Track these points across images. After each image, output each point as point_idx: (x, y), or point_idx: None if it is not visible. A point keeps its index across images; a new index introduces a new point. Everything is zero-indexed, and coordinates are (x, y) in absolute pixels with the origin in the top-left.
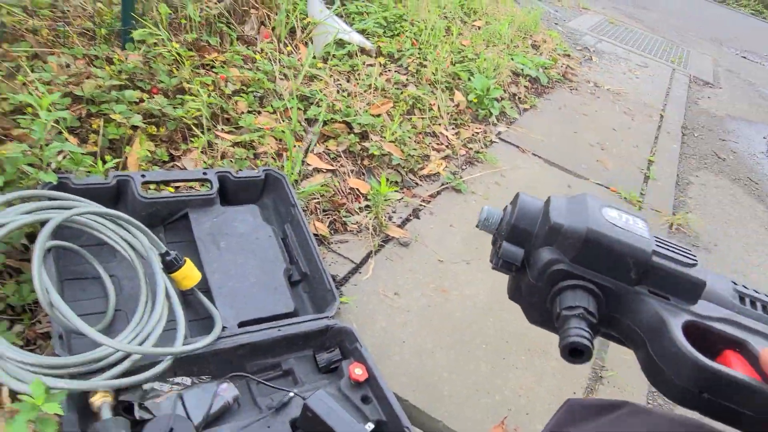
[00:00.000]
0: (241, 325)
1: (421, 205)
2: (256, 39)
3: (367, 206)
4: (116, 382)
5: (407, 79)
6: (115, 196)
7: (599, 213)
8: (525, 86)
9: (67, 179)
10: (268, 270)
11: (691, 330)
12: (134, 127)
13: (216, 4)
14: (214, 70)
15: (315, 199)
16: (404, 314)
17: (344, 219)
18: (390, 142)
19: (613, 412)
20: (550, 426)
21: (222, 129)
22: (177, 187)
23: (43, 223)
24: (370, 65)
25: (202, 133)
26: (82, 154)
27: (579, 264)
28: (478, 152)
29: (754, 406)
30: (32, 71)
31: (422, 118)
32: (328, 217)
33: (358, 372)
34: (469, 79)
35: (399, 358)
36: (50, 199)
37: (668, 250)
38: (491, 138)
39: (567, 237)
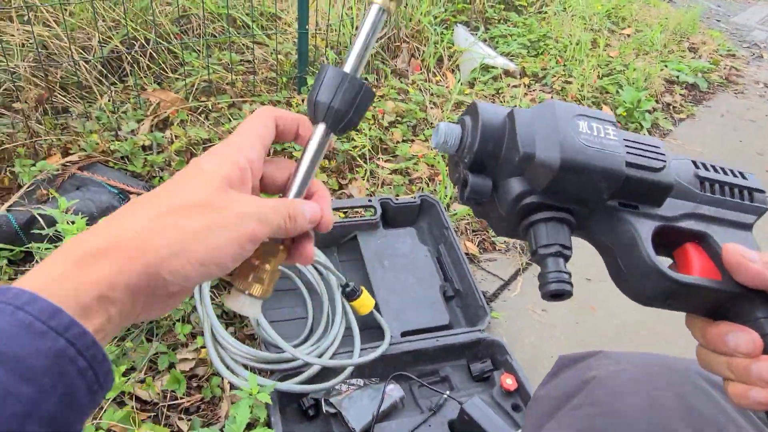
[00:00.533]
0: (404, 334)
1: None
2: (407, 71)
3: None
4: (312, 387)
5: (552, 97)
6: None
7: (571, 131)
8: (681, 94)
9: None
10: (426, 286)
11: (659, 234)
12: None
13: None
14: (372, 104)
15: (465, 220)
16: (552, 330)
17: (492, 238)
18: None
19: (590, 357)
20: (544, 379)
21: (381, 158)
22: (346, 213)
23: None
24: (515, 86)
25: (365, 162)
26: None
27: (551, 193)
28: None
29: (714, 302)
30: (231, 118)
31: None
32: (477, 237)
33: (509, 382)
34: (618, 92)
35: (547, 372)
36: None
37: (639, 156)
38: None
39: (538, 168)
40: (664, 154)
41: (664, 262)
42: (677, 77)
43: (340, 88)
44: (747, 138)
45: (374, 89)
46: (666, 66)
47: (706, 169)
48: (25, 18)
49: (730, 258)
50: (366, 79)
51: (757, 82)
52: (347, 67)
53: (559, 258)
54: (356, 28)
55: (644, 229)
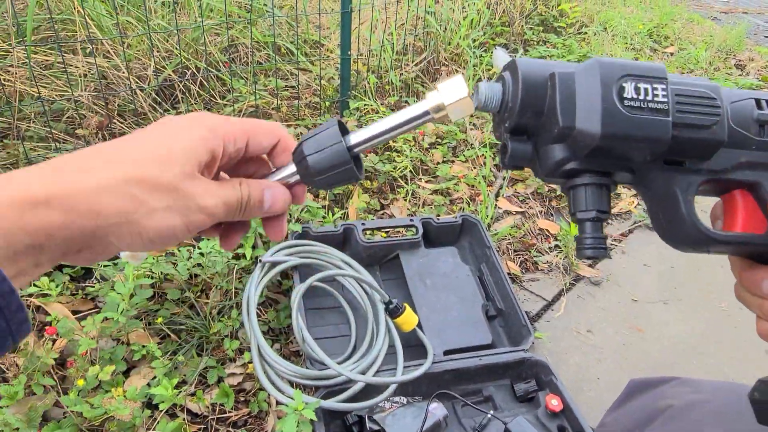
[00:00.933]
0: (447, 353)
1: (612, 244)
2: None
3: (557, 246)
4: (356, 405)
5: None
6: (342, 241)
7: (615, 97)
8: None
9: (308, 228)
10: (468, 305)
11: (707, 182)
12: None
13: (413, 67)
14: None
15: (506, 240)
16: (598, 351)
17: (535, 258)
18: None
19: (665, 384)
20: (613, 404)
21: (422, 179)
22: (388, 232)
23: (300, 265)
24: None
25: (406, 183)
26: (317, 207)
27: (593, 159)
28: None
29: (754, 252)
30: None
31: None
32: (519, 257)
33: (554, 403)
34: None
35: (594, 394)
36: (298, 245)
37: (688, 114)
38: None
39: (578, 138)
40: (718, 107)
41: (712, 204)
42: None
43: (325, 151)
44: None
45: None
46: None
47: (767, 107)
48: (88, 51)
49: None
50: (407, 102)
51: None
52: (351, 138)
53: (597, 223)
54: (396, 65)
55: (687, 186)
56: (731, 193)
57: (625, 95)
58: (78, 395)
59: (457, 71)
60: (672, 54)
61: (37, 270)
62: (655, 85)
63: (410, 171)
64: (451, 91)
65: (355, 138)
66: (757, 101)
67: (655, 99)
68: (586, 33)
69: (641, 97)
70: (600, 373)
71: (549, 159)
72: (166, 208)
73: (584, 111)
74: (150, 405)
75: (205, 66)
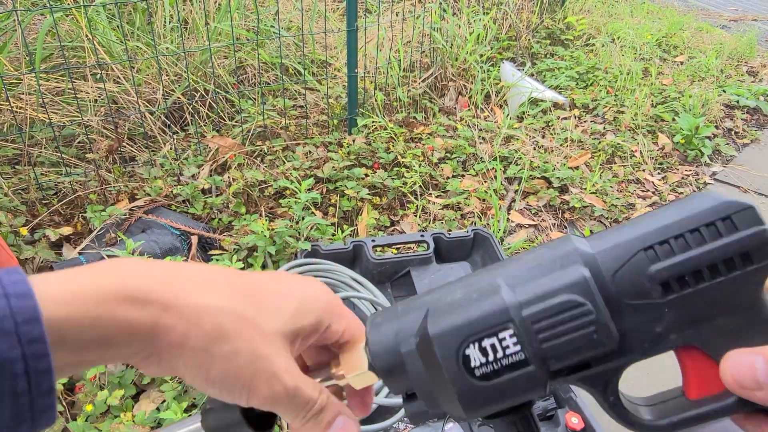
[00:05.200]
0: None
1: None
2: (455, 108)
3: None
4: (370, 427)
5: (604, 128)
6: (352, 258)
7: (464, 372)
8: (742, 119)
9: (318, 246)
10: None
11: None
12: (362, 199)
13: (420, 84)
14: (422, 141)
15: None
16: None
17: None
18: (591, 193)
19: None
20: None
21: (432, 194)
22: (399, 249)
23: None
24: (565, 119)
25: (416, 199)
26: (326, 225)
27: (489, 419)
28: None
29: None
30: (285, 160)
31: (624, 166)
32: None
33: (574, 421)
34: (674, 120)
35: None
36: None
37: (558, 339)
38: (705, 180)
39: (447, 412)
40: (590, 312)
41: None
42: (737, 102)
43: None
44: None
45: (423, 127)
46: (724, 91)
47: (662, 252)
48: (98, 76)
49: (732, 389)
50: (414, 117)
51: None
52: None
53: None
54: (403, 81)
55: (603, 388)
56: (677, 351)
57: (472, 365)
58: (86, 421)
59: (464, 86)
60: (682, 63)
61: (88, 365)
62: (501, 335)
63: (420, 186)
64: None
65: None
66: (646, 250)
67: (507, 353)
68: (593, 44)
69: (491, 358)
70: (622, 388)
71: (452, 416)
72: (242, 358)
73: (443, 397)
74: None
75: (214, 88)
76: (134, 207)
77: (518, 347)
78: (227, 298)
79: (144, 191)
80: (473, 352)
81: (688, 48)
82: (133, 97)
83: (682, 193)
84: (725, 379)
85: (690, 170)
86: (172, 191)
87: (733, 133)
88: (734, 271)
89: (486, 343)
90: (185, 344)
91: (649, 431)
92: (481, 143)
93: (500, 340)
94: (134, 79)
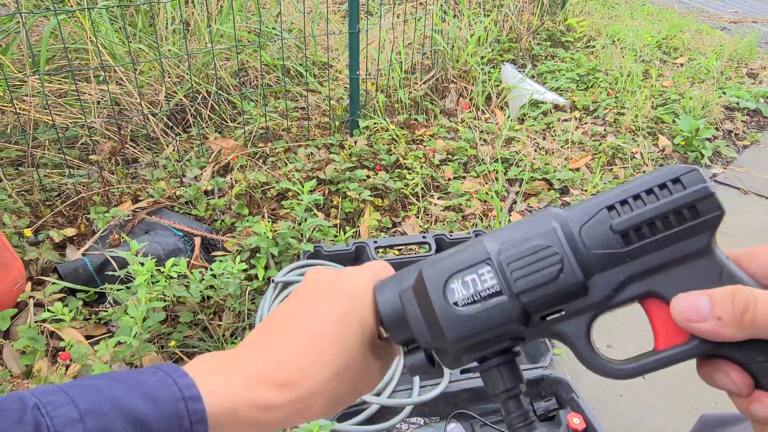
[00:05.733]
0: (463, 371)
1: None
2: (456, 110)
3: None
4: (372, 428)
5: (605, 130)
6: (354, 259)
7: (448, 305)
8: (742, 121)
9: (320, 247)
10: None
11: (597, 316)
12: (364, 201)
13: (421, 85)
14: (423, 143)
15: None
16: None
17: None
18: (591, 195)
19: (740, 423)
20: None
21: (433, 196)
22: (401, 250)
23: None
24: (566, 120)
25: (417, 200)
26: (329, 226)
27: (472, 354)
28: None
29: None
30: (288, 162)
31: (624, 168)
32: None
33: (576, 421)
34: (674, 122)
35: (616, 412)
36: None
37: (528, 276)
38: None
39: (443, 349)
40: (555, 253)
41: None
42: (737, 104)
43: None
44: None
45: (424, 129)
46: (724, 93)
47: (622, 210)
48: (101, 78)
49: (679, 323)
50: (416, 119)
51: None
52: None
53: (512, 399)
54: (404, 83)
55: (576, 331)
56: (643, 302)
57: (456, 297)
58: None
59: (465, 88)
60: (682, 65)
61: None
62: (480, 271)
63: (421, 188)
64: None
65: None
66: (608, 207)
67: (485, 285)
68: (594, 46)
69: (471, 291)
70: (623, 390)
71: (442, 360)
72: (352, 393)
73: (433, 331)
74: None
75: (216, 90)
76: (137, 208)
77: (494, 280)
78: (345, 367)
79: (147, 193)
80: (456, 286)
81: (688, 50)
82: (136, 98)
83: None
84: (673, 314)
85: None
86: (174, 193)
87: (733, 135)
88: (684, 223)
89: (467, 277)
90: (319, 410)
91: (616, 373)
92: (482, 145)
93: (479, 275)
94: (137, 81)
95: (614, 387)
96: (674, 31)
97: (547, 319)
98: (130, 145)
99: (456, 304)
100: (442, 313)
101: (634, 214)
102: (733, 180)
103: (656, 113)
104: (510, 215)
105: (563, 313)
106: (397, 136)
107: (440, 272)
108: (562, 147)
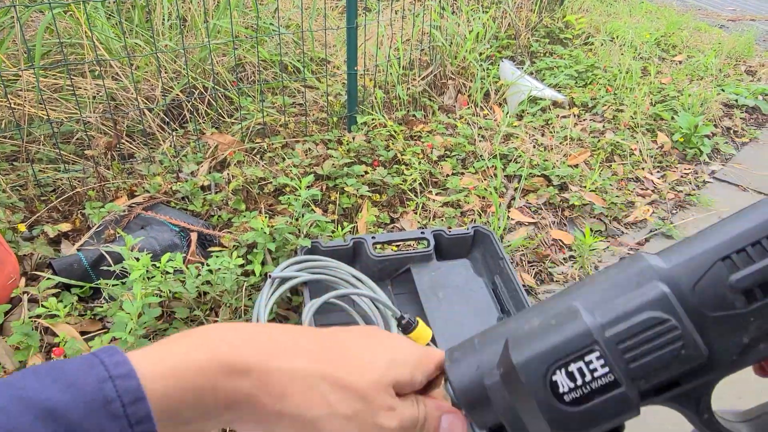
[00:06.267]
0: None
1: (628, 253)
2: (454, 107)
3: (572, 257)
4: None
5: (604, 126)
6: (352, 255)
7: (552, 402)
8: (741, 118)
9: (318, 243)
10: (482, 318)
11: (717, 381)
12: (362, 197)
13: (419, 81)
14: (421, 139)
15: (520, 251)
16: None
17: (549, 270)
18: (590, 191)
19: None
20: None
21: (431, 192)
22: (399, 246)
23: (310, 281)
24: (564, 117)
25: (416, 196)
26: (326, 222)
27: None
28: (689, 195)
29: None
30: (285, 157)
31: (623, 164)
32: (533, 268)
33: None
34: (673, 119)
35: None
36: (309, 260)
37: (644, 357)
38: (704, 178)
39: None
40: (675, 328)
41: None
42: (736, 101)
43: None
44: None
45: (423, 125)
46: (723, 90)
47: (740, 261)
48: (96, 73)
49: None
50: (414, 115)
51: None
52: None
53: None
54: (402, 79)
55: (695, 407)
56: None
57: (561, 391)
58: None
59: (464, 84)
60: (680, 62)
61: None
62: (587, 359)
63: (419, 184)
64: None
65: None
66: (724, 259)
67: (596, 375)
68: (592, 43)
69: (579, 383)
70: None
71: None
72: (348, 418)
73: (532, 426)
74: None
75: (213, 85)
76: (133, 203)
77: (606, 369)
78: (317, 361)
79: (143, 188)
80: (561, 378)
81: (686, 47)
82: (132, 93)
83: (681, 191)
84: None
85: (689, 169)
86: (171, 188)
87: (732, 131)
88: None
89: (573, 367)
90: (284, 412)
91: None
92: (480, 141)
93: (587, 363)
94: (133, 76)
95: None
96: (672, 28)
97: (663, 395)
98: (126, 141)
99: (562, 400)
100: (546, 412)
101: (757, 267)
102: (732, 177)
103: (655, 110)
104: (509, 211)
105: (680, 386)
106: (395, 132)
107: (537, 361)
108: (560, 143)
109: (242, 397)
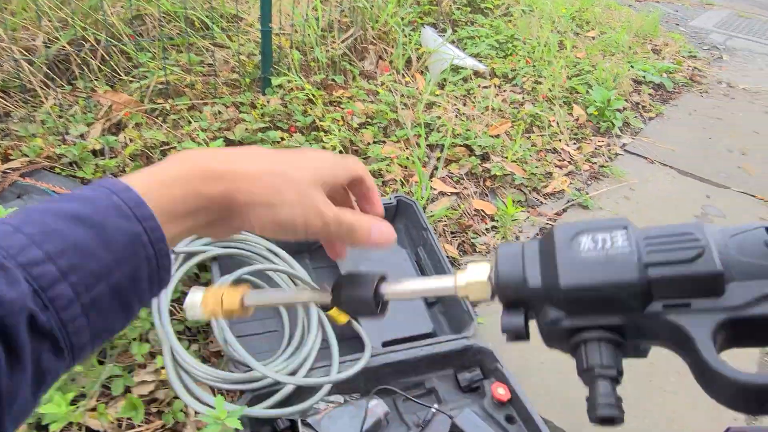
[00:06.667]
0: (385, 344)
1: (547, 223)
2: (375, 73)
3: (494, 227)
4: (286, 410)
5: (523, 98)
6: None
7: (571, 251)
8: (648, 94)
9: None
10: None
11: (730, 328)
12: None
13: (339, 44)
14: (341, 105)
15: (442, 221)
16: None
17: (472, 240)
18: (511, 161)
19: None
20: None
21: None
22: None
23: (220, 256)
24: (486, 87)
25: None
26: None
27: (578, 315)
28: (603, 166)
29: None
30: (192, 120)
31: (542, 136)
32: (456, 239)
33: (500, 392)
34: (588, 92)
35: (538, 380)
36: None
37: (661, 252)
38: (616, 150)
39: (550, 298)
40: (697, 239)
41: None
42: (644, 77)
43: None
44: (716, 135)
45: (343, 90)
46: (632, 66)
47: None
48: None
49: None
50: (334, 80)
51: (719, 82)
52: (385, 288)
53: (605, 380)
54: (321, 41)
55: (700, 329)
56: None
57: (581, 248)
58: None
59: (385, 50)
60: (594, 38)
61: (183, 235)
62: (614, 234)
63: (340, 151)
64: (473, 274)
65: (388, 289)
66: (767, 228)
67: (615, 244)
68: (512, 14)
69: (600, 245)
70: (543, 358)
71: (542, 319)
72: (294, 203)
73: (545, 267)
74: (39, 427)
75: (106, 38)
76: (8, 169)
77: (626, 243)
78: (272, 164)
79: (20, 151)
80: (585, 239)
81: (599, 23)
82: (6, 42)
83: (595, 163)
84: None
85: (603, 141)
86: (55, 152)
87: (640, 106)
88: None
89: (599, 235)
90: (253, 201)
91: (750, 386)
92: (402, 109)
93: (612, 236)
94: (7, 22)
95: (536, 355)
96: (587, 4)
97: (670, 307)
98: (1, 97)
99: (580, 253)
100: (561, 254)
101: None
102: (641, 150)
103: (571, 83)
104: (431, 181)
105: (689, 306)
106: (314, 96)
107: (572, 227)
108: (482, 114)
109: (219, 196)
